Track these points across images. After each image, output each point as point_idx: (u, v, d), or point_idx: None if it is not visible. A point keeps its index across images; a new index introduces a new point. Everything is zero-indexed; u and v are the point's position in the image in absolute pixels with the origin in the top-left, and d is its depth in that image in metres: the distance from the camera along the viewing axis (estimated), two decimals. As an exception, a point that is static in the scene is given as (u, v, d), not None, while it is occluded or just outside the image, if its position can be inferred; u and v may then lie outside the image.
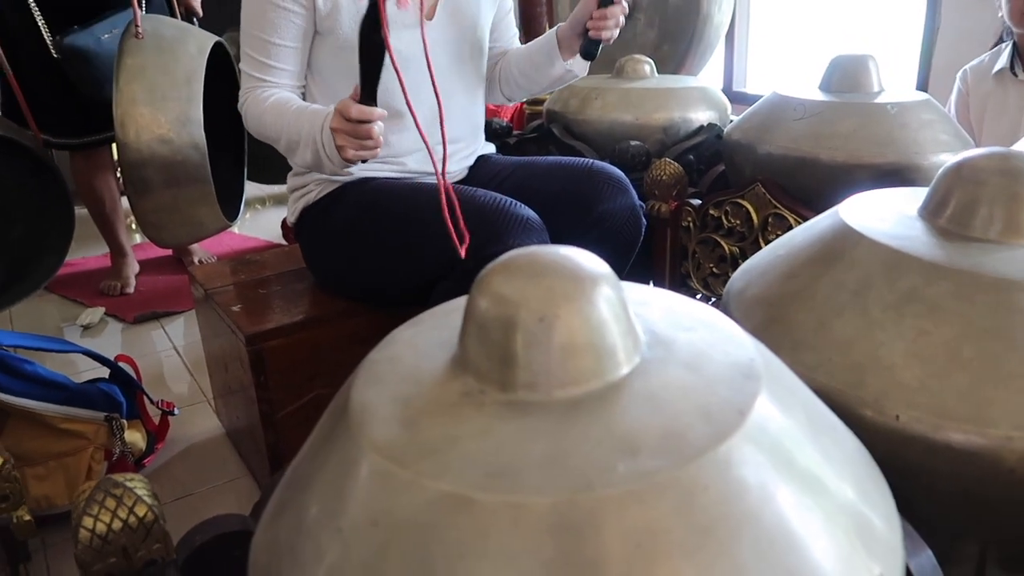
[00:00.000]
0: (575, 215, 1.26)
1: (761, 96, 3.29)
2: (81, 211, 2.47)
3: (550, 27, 2.68)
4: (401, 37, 1.18)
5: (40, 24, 1.99)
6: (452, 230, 0.87)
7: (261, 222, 3.17)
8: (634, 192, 1.32)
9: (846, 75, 1.50)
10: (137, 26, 1.83)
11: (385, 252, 1.21)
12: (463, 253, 0.98)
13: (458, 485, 0.41)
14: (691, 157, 1.80)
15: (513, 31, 1.51)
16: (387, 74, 1.07)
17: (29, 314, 2.33)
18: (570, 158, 1.39)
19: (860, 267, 0.72)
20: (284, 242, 2.80)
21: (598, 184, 1.28)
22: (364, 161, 1.10)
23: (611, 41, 1.32)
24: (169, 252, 2.65)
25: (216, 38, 2.00)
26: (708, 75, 3.04)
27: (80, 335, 2.20)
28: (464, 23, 1.32)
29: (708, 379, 0.47)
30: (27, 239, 2.06)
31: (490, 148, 1.51)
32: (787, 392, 0.50)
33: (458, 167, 1.39)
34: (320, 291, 1.41)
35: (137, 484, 0.66)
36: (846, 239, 0.75)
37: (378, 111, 1.03)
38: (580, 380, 0.46)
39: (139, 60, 1.81)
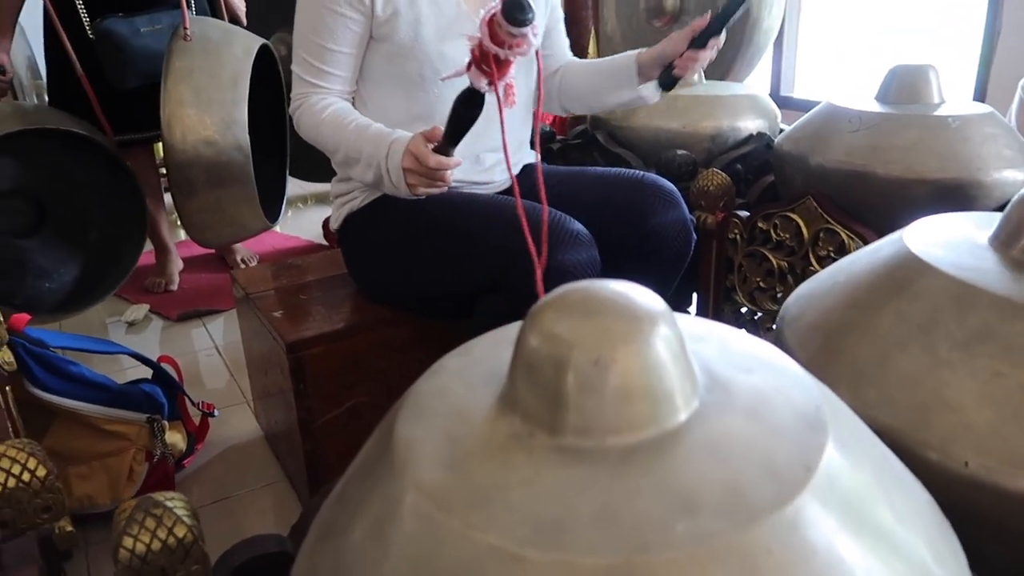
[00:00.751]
0: (625, 228, 1.23)
1: (809, 101, 3.22)
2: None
3: (595, 32, 2.65)
4: (458, 47, 1.17)
5: (80, 8, 2.02)
6: (533, 248, 0.86)
7: (303, 221, 3.19)
8: (685, 206, 1.29)
9: (905, 86, 1.45)
10: (185, 28, 1.84)
11: (429, 262, 1.20)
12: (540, 272, 0.98)
13: (506, 540, 0.39)
14: (739, 167, 1.76)
15: (565, 42, 1.48)
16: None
17: (76, 309, 2.37)
18: (619, 169, 1.36)
19: (926, 299, 0.68)
20: (325, 242, 2.83)
21: (649, 197, 1.25)
22: None
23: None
24: (212, 250, 2.68)
25: (262, 40, 2.01)
26: (756, 79, 2.99)
27: (125, 331, 2.23)
28: None
29: (771, 429, 0.45)
30: (103, 241, 2.08)
31: (534, 156, 1.49)
32: (855, 442, 0.48)
33: (504, 176, 1.37)
34: (361, 298, 1.40)
35: (177, 504, 0.65)
36: (911, 268, 0.71)
37: (455, 160, 1.03)
38: (635, 427, 0.44)
39: (187, 62, 1.82)
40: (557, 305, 0.47)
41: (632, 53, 1.36)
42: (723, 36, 1.26)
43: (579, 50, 2.40)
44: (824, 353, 0.72)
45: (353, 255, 1.37)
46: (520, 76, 1.34)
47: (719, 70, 2.44)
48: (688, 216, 1.29)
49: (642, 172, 1.33)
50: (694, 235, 1.32)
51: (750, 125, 1.81)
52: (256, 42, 1.98)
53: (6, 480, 0.73)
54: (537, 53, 0.94)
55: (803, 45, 3.41)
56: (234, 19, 2.38)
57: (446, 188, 1.08)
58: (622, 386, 0.44)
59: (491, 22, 0.87)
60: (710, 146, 1.78)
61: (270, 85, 2.17)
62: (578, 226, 1.12)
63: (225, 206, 1.91)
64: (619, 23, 2.77)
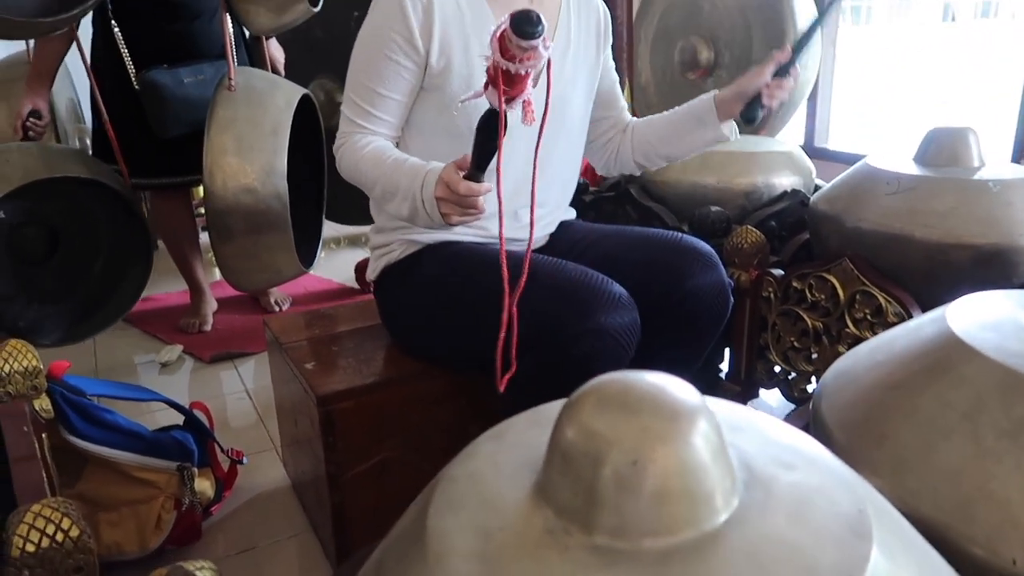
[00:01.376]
0: (662, 291, 1.22)
1: (844, 153, 3.20)
2: (163, 246, 2.57)
3: (629, 83, 2.67)
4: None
5: (126, 59, 2.09)
6: (499, 359, 0.85)
7: (335, 263, 3.22)
8: (723, 268, 1.28)
9: (944, 148, 1.43)
10: (230, 79, 1.89)
11: (464, 319, 1.20)
12: (502, 386, 0.99)
13: (541, 647, 0.38)
14: (773, 223, 1.75)
15: (623, 103, 1.49)
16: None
17: (112, 348, 2.42)
18: (656, 230, 1.36)
19: (971, 386, 0.66)
20: (357, 285, 2.85)
21: (687, 260, 1.24)
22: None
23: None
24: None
25: (303, 91, 2.06)
26: (790, 131, 2.98)
27: (158, 372, 2.26)
28: (564, 91, 1.31)
29: (813, 534, 0.43)
30: (108, 272, 2.16)
31: (571, 213, 1.49)
32: (899, 546, 0.46)
33: (541, 233, 1.37)
34: (393, 349, 1.40)
35: (207, 573, 0.65)
36: (954, 352, 0.70)
37: (485, 186, 1.03)
38: (673, 529, 0.43)
39: (230, 112, 1.87)
40: (595, 398, 0.47)
41: (708, 95, 1.37)
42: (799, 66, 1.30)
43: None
44: (864, 437, 0.71)
45: (388, 307, 1.38)
46: (561, 136, 1.35)
47: (753, 126, 2.44)
48: (726, 279, 1.28)
49: (680, 234, 1.32)
50: (731, 298, 1.31)
51: (785, 182, 1.80)
52: (297, 92, 2.03)
53: (40, 539, 0.74)
54: (548, 63, 0.94)
55: (838, 96, 3.41)
56: (273, 68, 2.45)
57: (479, 216, 1.08)
58: (660, 487, 0.43)
59: (501, 37, 0.87)
60: (744, 202, 1.78)
61: (309, 131, 2.22)
62: (619, 288, 1.12)
63: (261, 252, 1.94)
64: (653, 74, 2.79)
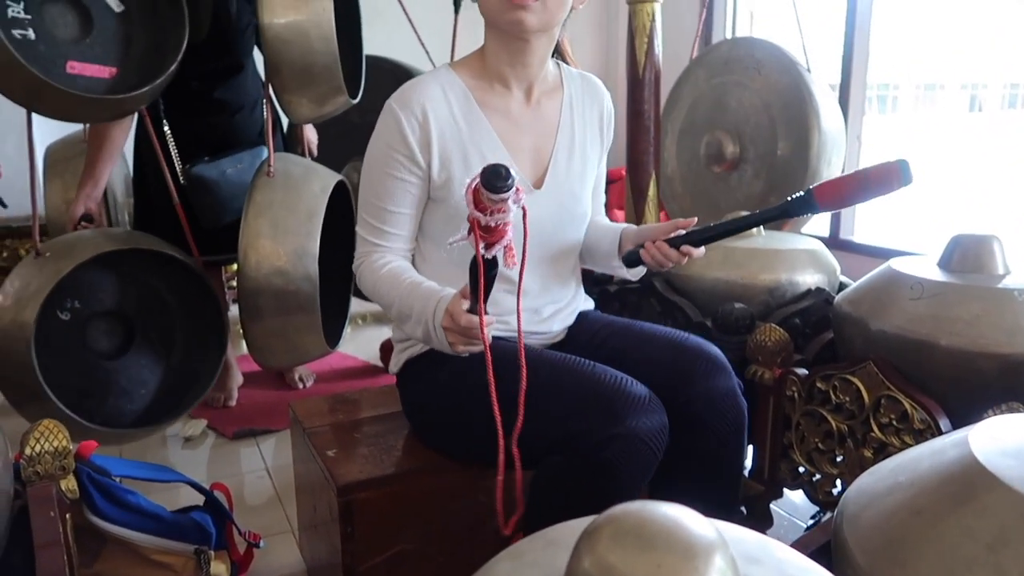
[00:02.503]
0: (671, 390, 1.22)
1: (869, 246, 3.21)
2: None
3: (655, 174, 2.73)
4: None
5: (174, 153, 2.18)
6: (500, 501, 0.86)
7: (360, 340, 3.25)
8: (733, 373, 1.27)
9: (968, 255, 1.44)
10: (270, 166, 1.97)
11: (480, 419, 1.20)
12: (508, 529, 1.00)
13: None
14: (797, 321, 1.75)
15: (602, 198, 1.52)
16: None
17: (138, 420, 2.44)
18: (667, 329, 1.36)
19: (994, 516, 0.66)
20: (381, 364, 2.88)
21: (696, 362, 1.24)
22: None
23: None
24: (272, 367, 2.75)
25: (338, 177, 2.13)
26: (815, 223, 3.01)
27: (181, 446, 2.28)
28: (573, 188, 1.36)
29: None
30: (183, 362, 2.09)
31: (589, 304, 1.51)
32: None
33: (560, 327, 1.39)
34: (413, 439, 1.41)
35: None
36: (977, 479, 0.69)
37: (487, 319, 1.04)
38: (687, 670, 0.43)
39: (267, 196, 1.94)
40: (612, 530, 0.48)
41: (623, 225, 1.40)
42: (700, 251, 1.27)
43: (638, 192, 2.48)
44: (886, 562, 0.70)
45: (409, 400, 1.39)
46: (570, 231, 1.38)
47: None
48: (736, 383, 1.26)
49: (689, 335, 1.31)
50: (743, 402, 1.29)
51: (809, 279, 1.81)
52: (333, 179, 2.10)
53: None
54: (524, 212, 0.98)
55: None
56: (307, 148, 2.55)
57: (483, 347, 1.07)
58: (675, 626, 0.43)
59: (475, 191, 0.91)
60: (768, 299, 1.78)
61: (342, 214, 2.28)
62: (644, 389, 1.13)
63: (289, 332, 1.98)
64: (679, 166, 2.85)
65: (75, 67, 1.80)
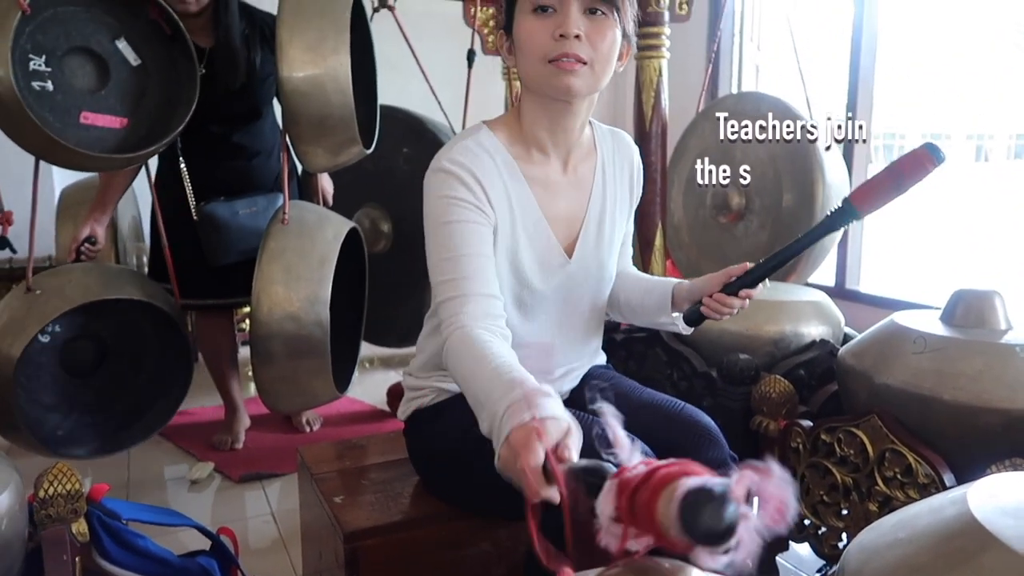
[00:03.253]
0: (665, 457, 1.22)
1: (875, 296, 3.22)
2: (203, 361, 2.65)
3: (662, 223, 2.76)
4: (549, 279, 1.26)
5: (188, 191, 2.24)
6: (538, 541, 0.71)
7: (368, 384, 3.26)
8: (726, 444, 1.25)
9: (971, 310, 1.46)
10: (285, 213, 2.02)
11: (486, 472, 1.20)
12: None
13: None
14: (802, 372, 1.76)
15: (629, 252, 1.50)
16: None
17: (145, 461, 2.46)
18: (664, 397, 1.33)
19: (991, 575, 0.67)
20: (388, 408, 2.88)
21: (688, 434, 1.23)
22: None
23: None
24: (280, 410, 2.76)
25: (351, 224, 2.17)
26: (821, 273, 3.03)
27: (188, 488, 2.29)
28: (601, 256, 1.34)
29: None
30: (148, 388, 2.21)
31: (602, 358, 1.50)
32: None
33: (570, 386, 1.40)
34: (419, 487, 1.42)
35: None
36: (975, 539, 0.70)
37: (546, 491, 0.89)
38: None
39: (281, 243, 1.98)
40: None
41: (672, 281, 1.37)
42: (758, 289, 1.25)
43: (645, 242, 2.51)
44: (887, 619, 0.71)
45: (416, 448, 1.40)
46: (598, 296, 1.36)
47: (783, 269, 2.50)
48: (728, 455, 1.23)
49: (684, 404, 1.29)
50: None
51: (813, 331, 1.83)
52: (346, 226, 2.14)
53: None
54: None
55: (869, 237, 3.47)
56: (322, 197, 2.60)
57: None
58: None
59: (655, 511, 0.64)
60: (773, 350, 1.80)
61: (354, 259, 2.32)
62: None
63: (299, 377, 2.00)
64: (686, 215, 2.89)
65: (88, 117, 1.89)
